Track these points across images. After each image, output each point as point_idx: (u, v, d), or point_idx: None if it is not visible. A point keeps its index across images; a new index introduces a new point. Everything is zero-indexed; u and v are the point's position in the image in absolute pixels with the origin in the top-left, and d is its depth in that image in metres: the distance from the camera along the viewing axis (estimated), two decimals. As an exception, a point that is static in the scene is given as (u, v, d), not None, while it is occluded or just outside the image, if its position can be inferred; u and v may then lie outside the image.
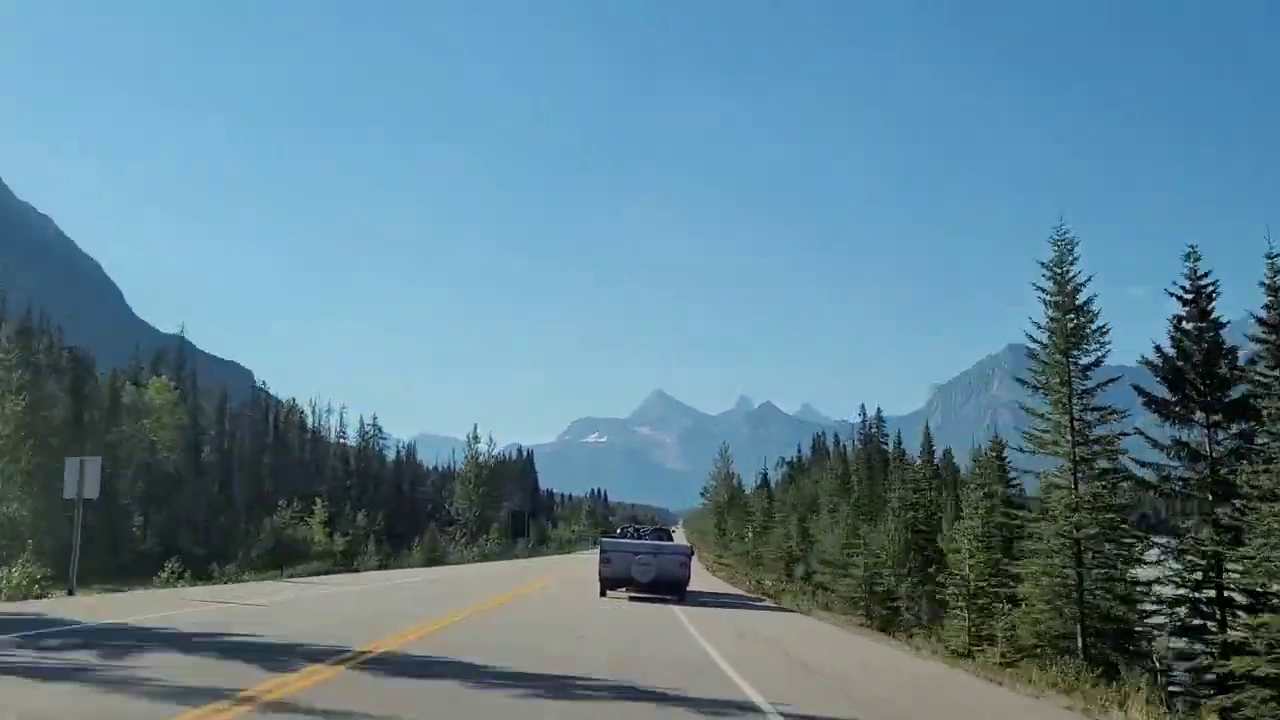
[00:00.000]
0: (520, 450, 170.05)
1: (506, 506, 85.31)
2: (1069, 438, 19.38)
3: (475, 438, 69.95)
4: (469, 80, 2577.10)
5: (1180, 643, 17.96)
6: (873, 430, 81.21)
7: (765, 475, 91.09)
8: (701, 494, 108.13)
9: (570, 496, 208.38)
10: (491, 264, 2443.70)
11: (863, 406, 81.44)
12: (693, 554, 26.07)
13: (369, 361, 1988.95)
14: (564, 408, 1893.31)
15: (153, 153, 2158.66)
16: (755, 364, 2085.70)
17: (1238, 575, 16.31)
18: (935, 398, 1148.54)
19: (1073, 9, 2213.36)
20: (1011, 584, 21.98)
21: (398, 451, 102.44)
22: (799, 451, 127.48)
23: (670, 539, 26.96)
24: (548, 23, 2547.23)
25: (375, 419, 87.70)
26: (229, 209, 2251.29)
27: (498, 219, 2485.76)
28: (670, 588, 22.74)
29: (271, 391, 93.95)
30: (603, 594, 22.96)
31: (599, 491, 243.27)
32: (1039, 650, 19.00)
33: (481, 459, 70.72)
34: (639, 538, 26.24)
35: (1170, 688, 16.91)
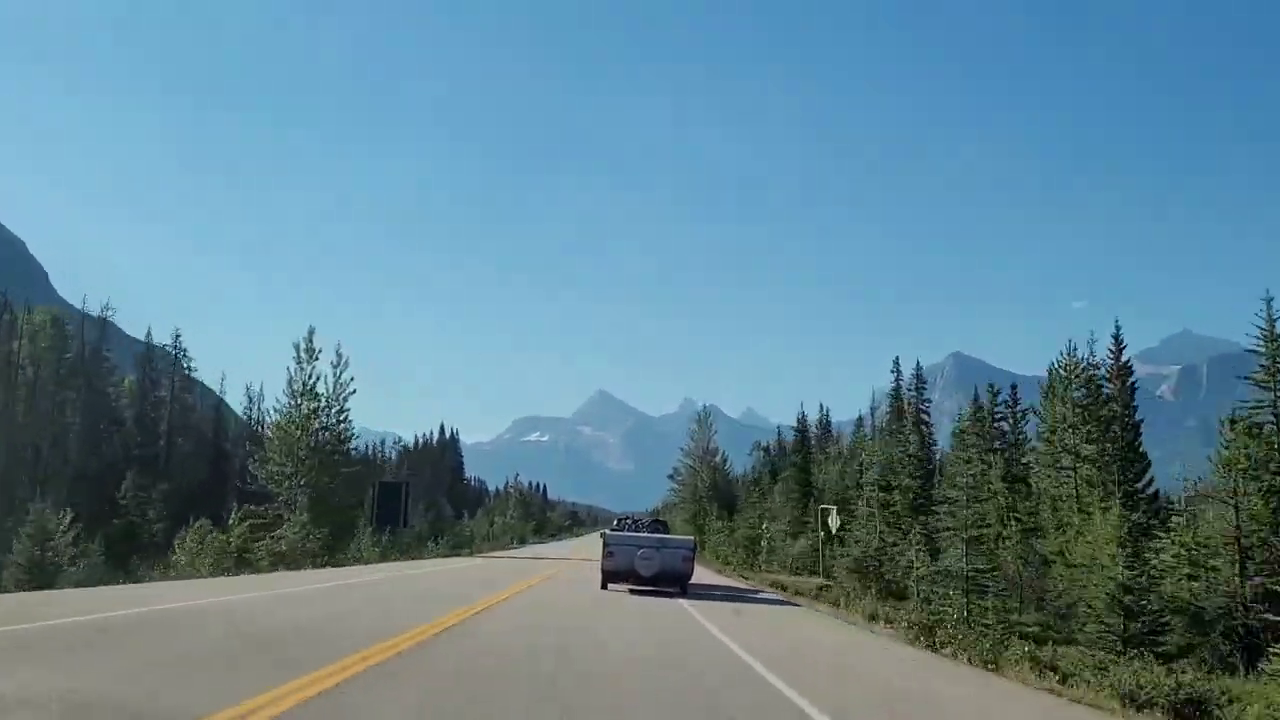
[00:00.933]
0: (444, 429, 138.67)
1: (381, 480, 53.93)
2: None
3: (309, 348, 38.90)
4: (405, 75, 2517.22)
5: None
6: (910, 392, 53.15)
7: (803, 419, 61.70)
8: (670, 477, 78.70)
9: (504, 489, 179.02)
10: (431, 261, 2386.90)
11: (896, 361, 54.43)
12: (695, 548, 24.99)
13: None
14: (506, 406, 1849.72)
15: (88, 137, 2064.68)
16: (700, 367, 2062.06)
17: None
18: (879, 402, 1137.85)
19: (1026, 17, 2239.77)
20: None
21: (254, 403, 69.88)
22: (781, 433, 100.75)
23: (667, 530, 27.33)
24: (485, 20, 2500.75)
25: (177, 336, 56.03)
26: (174, 202, 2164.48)
27: (440, 217, 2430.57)
28: (673, 581, 22.46)
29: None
30: (604, 587, 22.76)
31: (538, 485, 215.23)
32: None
33: (320, 387, 39.53)
34: (637, 530, 25.41)
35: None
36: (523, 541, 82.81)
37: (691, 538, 26.65)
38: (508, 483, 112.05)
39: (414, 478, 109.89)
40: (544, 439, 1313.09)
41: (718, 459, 74.28)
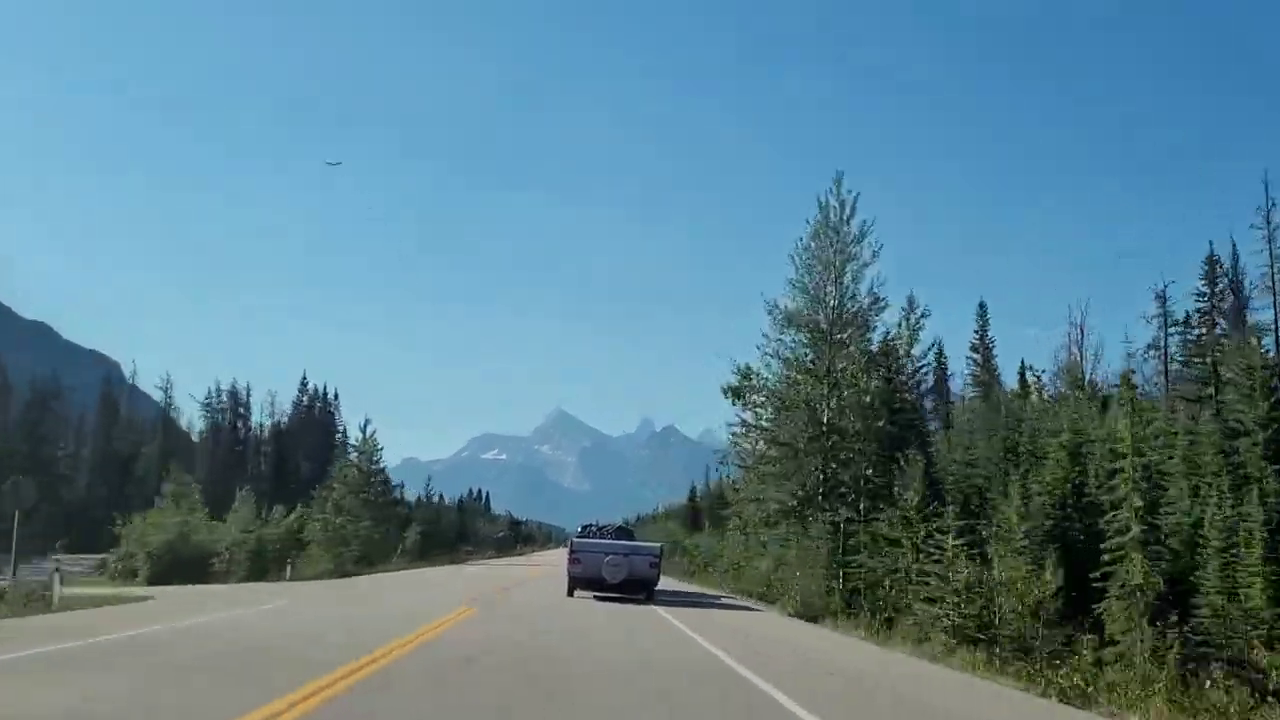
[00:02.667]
0: (306, 382, 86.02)
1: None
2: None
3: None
4: (358, 90, 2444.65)
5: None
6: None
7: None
8: (733, 392, 27.09)
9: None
10: (390, 273, 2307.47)
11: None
12: (662, 554, 24.30)
13: (269, 369, 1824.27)
14: (464, 423, 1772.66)
15: (31, 134, 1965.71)
16: (659, 386, 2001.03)
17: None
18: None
19: (974, 51, 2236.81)
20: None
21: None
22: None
23: (633, 538, 26.24)
24: (438, 36, 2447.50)
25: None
26: (109, 201, 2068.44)
27: (399, 231, 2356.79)
28: (639, 588, 22.17)
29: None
30: (570, 594, 22.38)
31: (481, 494, 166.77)
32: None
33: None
34: (602, 538, 24.56)
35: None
36: (249, 579, 31.05)
37: (659, 544, 25.90)
38: (337, 439, 61.06)
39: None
40: (501, 457, 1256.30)
41: (907, 326, 24.49)
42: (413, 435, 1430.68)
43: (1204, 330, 30.88)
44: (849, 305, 24.49)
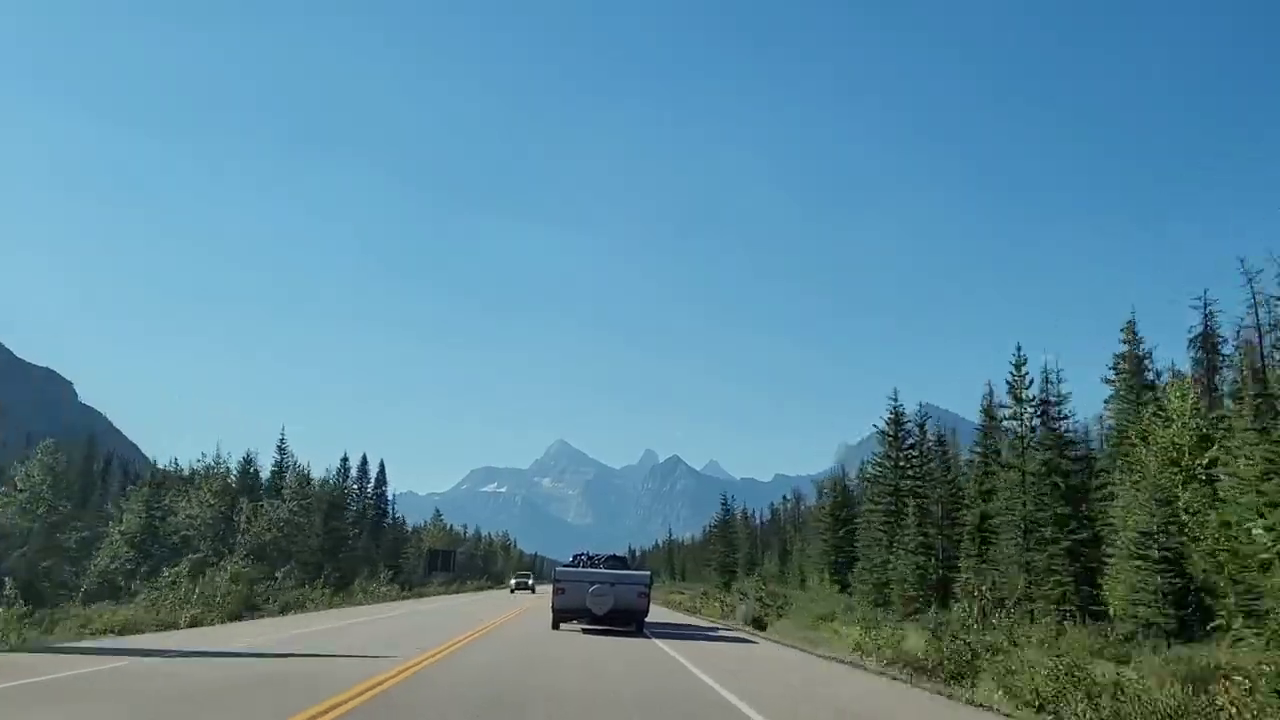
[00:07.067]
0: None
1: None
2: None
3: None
4: (361, 104, 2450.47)
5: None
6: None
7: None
8: None
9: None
10: (395, 302, 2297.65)
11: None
12: (651, 582, 23.61)
13: (254, 399, 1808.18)
14: (463, 456, 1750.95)
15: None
16: (663, 417, 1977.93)
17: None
18: (846, 457, 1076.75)
19: (975, 82, 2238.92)
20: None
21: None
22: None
23: (627, 567, 24.84)
24: (439, 51, 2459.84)
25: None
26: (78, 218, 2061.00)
27: (397, 257, 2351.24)
28: (628, 619, 21.21)
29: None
30: (555, 626, 21.50)
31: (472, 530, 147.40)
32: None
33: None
34: (594, 566, 23.42)
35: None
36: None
37: (647, 572, 25.47)
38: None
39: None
40: (501, 490, 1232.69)
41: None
42: (410, 469, 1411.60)
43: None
44: None
